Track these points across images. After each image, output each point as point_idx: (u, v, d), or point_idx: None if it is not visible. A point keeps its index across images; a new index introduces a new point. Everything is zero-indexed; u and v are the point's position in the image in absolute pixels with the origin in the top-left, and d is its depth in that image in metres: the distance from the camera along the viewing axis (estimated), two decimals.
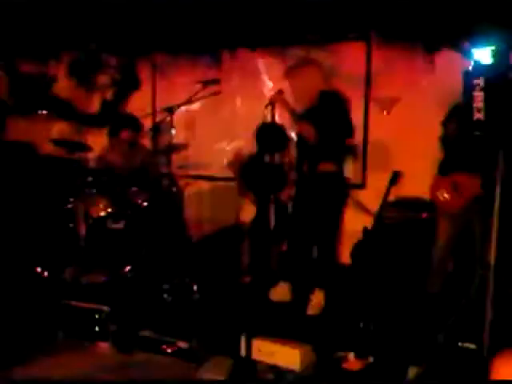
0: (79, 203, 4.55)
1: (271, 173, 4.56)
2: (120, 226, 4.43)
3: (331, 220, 4.10)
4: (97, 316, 3.68)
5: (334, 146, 3.96)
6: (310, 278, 4.14)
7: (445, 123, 3.96)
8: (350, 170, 5.18)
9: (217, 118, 5.91)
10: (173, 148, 5.06)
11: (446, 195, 3.77)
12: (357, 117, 5.03)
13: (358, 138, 5.09)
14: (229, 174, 5.69)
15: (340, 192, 4.11)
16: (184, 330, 3.63)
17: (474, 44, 3.56)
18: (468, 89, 2.88)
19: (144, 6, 5.01)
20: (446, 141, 3.99)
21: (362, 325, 3.60)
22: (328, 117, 3.85)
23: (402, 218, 4.60)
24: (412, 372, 3.11)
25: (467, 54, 3.58)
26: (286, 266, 4.44)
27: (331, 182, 3.98)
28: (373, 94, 5.07)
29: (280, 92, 3.99)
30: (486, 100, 2.74)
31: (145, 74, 6.25)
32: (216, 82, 4.71)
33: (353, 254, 4.77)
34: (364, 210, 4.86)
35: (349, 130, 3.99)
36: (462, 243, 3.93)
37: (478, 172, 3.59)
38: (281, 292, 4.21)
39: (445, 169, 3.89)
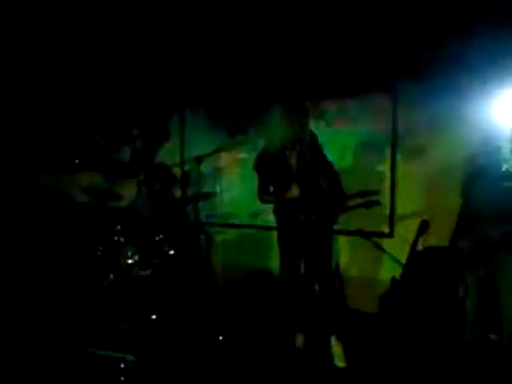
0: (107, 251, 4.61)
1: None
2: (147, 273, 4.46)
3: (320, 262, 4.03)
4: (122, 365, 3.67)
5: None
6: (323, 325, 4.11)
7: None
8: (377, 219, 5.20)
9: (245, 168, 6.01)
10: (201, 196, 5.12)
11: (468, 245, 3.68)
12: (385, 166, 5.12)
13: (386, 187, 5.12)
14: (257, 222, 5.71)
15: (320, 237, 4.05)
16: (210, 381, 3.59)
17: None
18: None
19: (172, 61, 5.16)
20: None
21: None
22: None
23: (430, 268, 4.53)
24: None
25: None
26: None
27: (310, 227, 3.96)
28: (400, 143, 5.07)
29: None
30: None
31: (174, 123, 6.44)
32: (244, 131, 4.79)
33: (381, 304, 4.70)
34: (392, 259, 4.81)
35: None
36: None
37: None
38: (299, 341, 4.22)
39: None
